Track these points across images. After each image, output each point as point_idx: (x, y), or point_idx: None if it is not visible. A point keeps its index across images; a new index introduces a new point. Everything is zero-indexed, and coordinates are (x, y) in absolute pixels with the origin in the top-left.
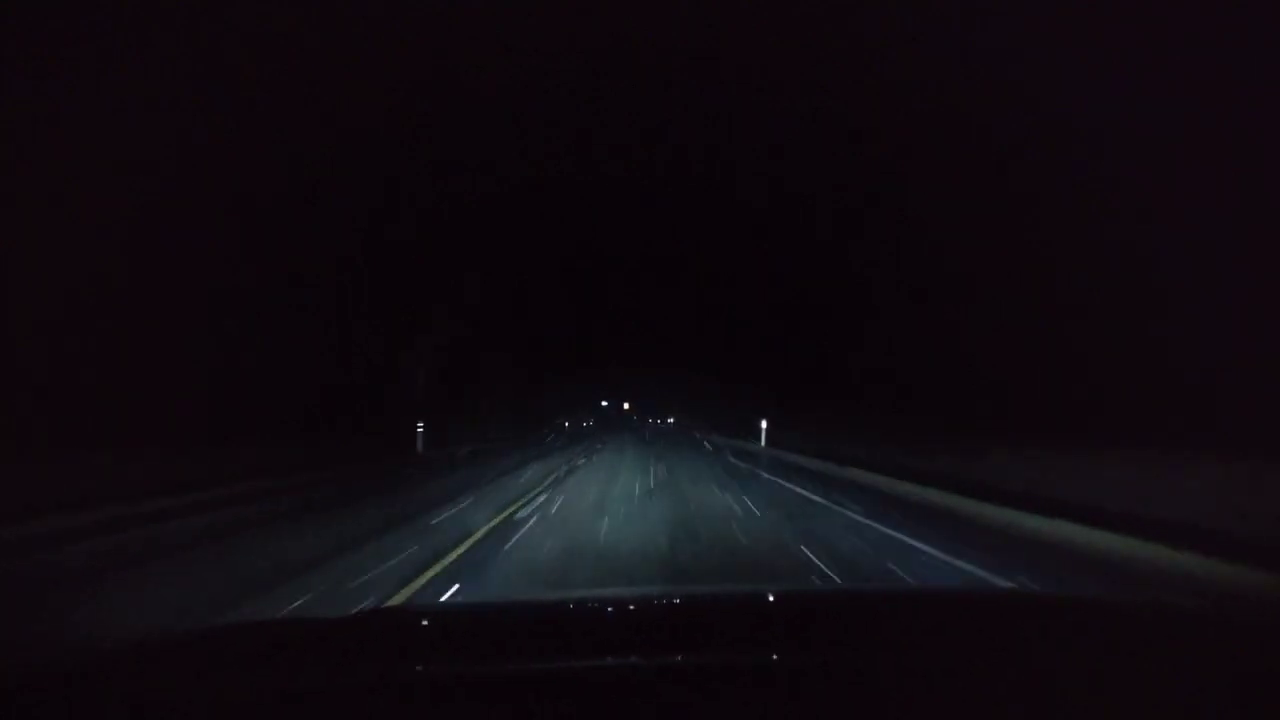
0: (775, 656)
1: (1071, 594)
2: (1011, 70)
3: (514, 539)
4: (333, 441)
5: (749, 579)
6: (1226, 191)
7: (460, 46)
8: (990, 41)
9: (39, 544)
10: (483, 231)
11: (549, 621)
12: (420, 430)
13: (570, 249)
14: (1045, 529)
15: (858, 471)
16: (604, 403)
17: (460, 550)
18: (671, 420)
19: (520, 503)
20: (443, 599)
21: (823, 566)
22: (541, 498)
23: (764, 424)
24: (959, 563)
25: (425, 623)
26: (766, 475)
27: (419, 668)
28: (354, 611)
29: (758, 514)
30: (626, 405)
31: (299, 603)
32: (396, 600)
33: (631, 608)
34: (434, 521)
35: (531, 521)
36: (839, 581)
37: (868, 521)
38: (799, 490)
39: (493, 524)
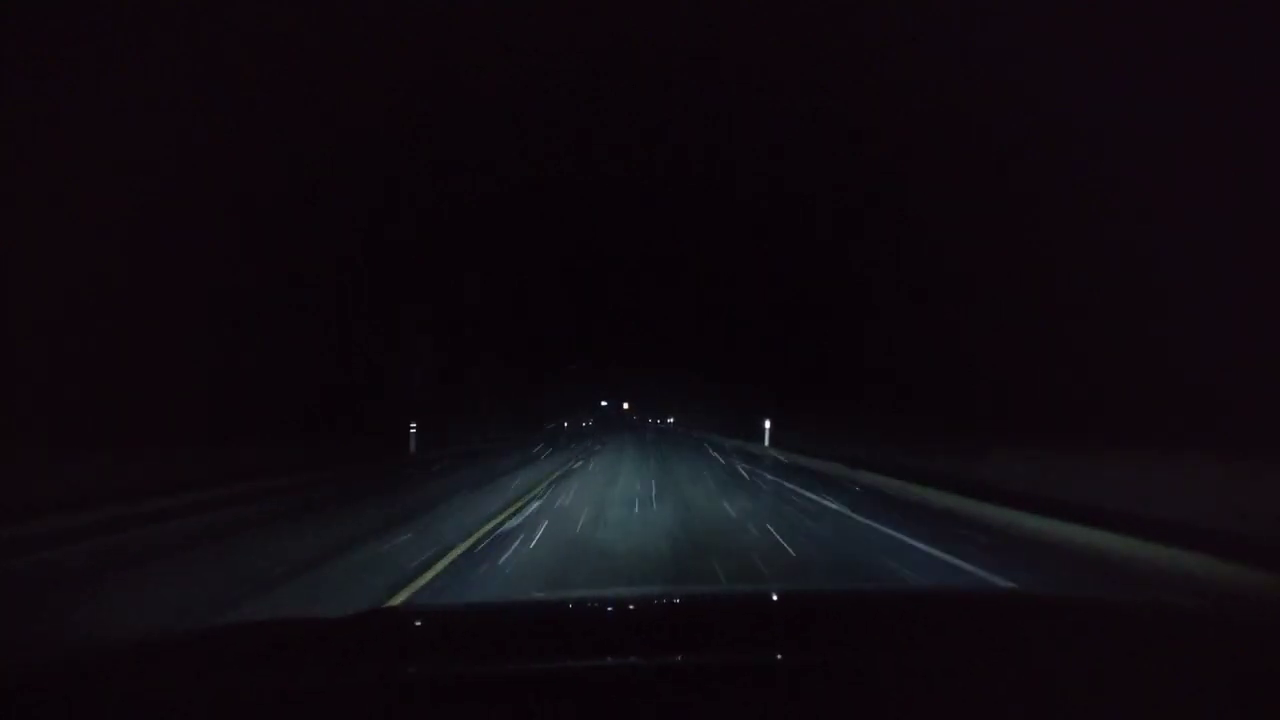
0: (775, 656)
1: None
2: (1011, 70)
3: (501, 557)
4: (333, 441)
5: None
6: (1226, 191)
7: (460, 46)
8: (990, 41)
9: (39, 544)
10: (483, 231)
11: (549, 621)
12: (413, 431)
13: (570, 249)
14: (1118, 546)
15: (873, 476)
16: (603, 402)
17: (425, 579)
18: (671, 420)
19: (507, 513)
20: (442, 599)
21: None
22: (535, 504)
23: (767, 424)
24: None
25: (425, 623)
26: (779, 481)
27: (419, 668)
28: (354, 611)
29: (788, 548)
30: (626, 405)
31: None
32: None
33: (631, 608)
34: (435, 517)
35: (518, 541)
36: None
37: (926, 549)
38: (819, 500)
39: (473, 539)
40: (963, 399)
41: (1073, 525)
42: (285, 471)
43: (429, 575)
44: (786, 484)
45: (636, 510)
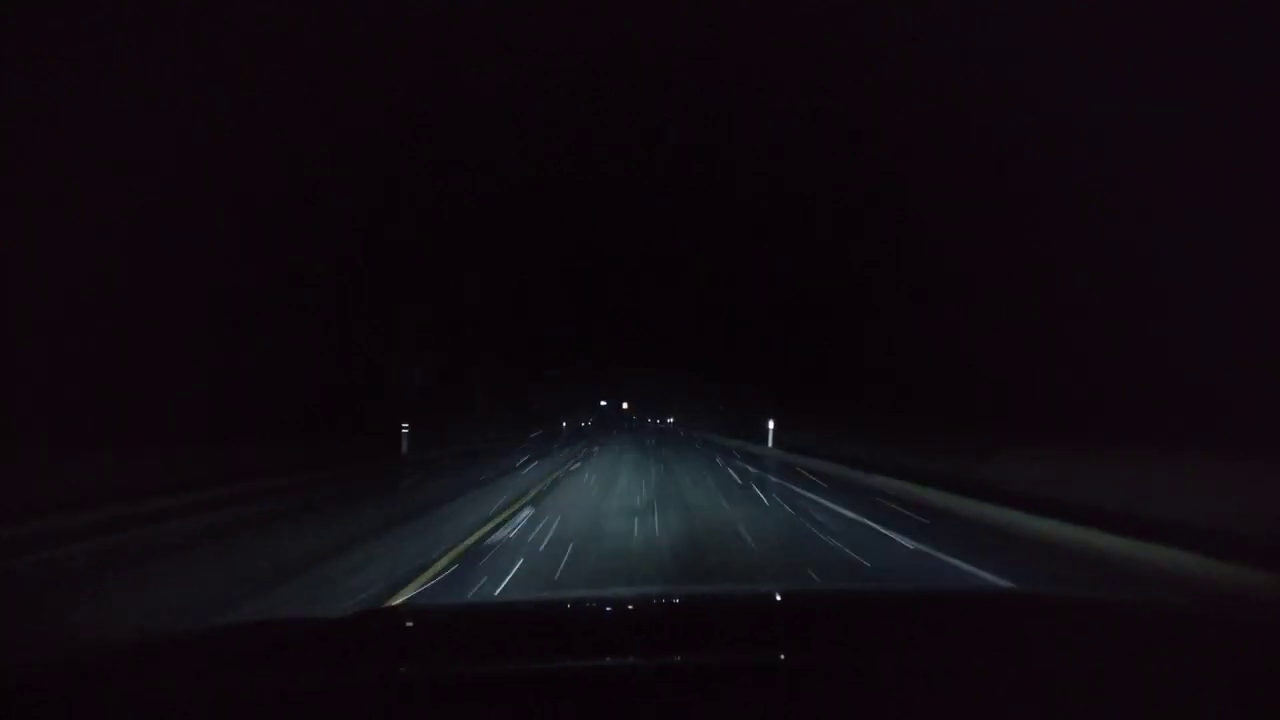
0: (775, 656)
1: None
2: (1011, 70)
3: (495, 559)
4: (333, 441)
5: None
6: (1226, 191)
7: (460, 46)
8: (990, 41)
9: (39, 544)
10: (483, 231)
11: (548, 621)
12: (405, 431)
13: (570, 249)
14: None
15: (885, 480)
16: (603, 402)
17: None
18: (671, 420)
19: (502, 517)
20: (441, 598)
21: None
22: (527, 512)
23: (771, 425)
24: None
25: (424, 623)
26: (791, 486)
27: (418, 668)
28: (354, 611)
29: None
30: (625, 405)
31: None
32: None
33: (630, 608)
34: (425, 523)
35: (507, 552)
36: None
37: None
38: (840, 510)
39: (458, 550)
40: (963, 399)
41: (1147, 543)
42: (285, 471)
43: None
44: (791, 486)
45: (636, 536)
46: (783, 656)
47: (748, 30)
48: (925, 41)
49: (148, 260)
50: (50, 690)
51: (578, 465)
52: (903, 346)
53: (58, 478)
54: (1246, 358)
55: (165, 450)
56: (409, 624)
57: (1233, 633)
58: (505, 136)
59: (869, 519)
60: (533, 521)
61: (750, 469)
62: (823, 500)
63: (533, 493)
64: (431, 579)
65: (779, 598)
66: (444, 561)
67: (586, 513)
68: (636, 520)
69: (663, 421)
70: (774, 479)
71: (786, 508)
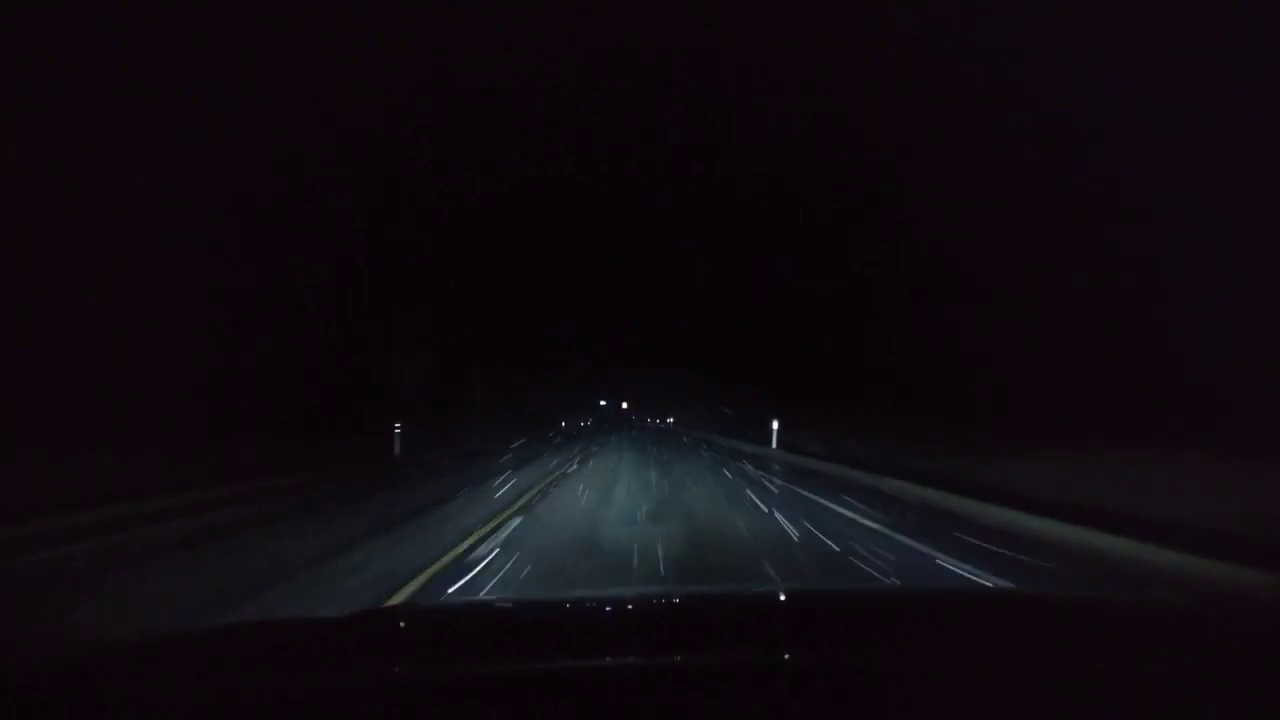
0: (775, 657)
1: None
2: (1011, 70)
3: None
4: (333, 441)
5: None
6: (1226, 191)
7: (460, 46)
8: (990, 41)
9: (39, 544)
10: (483, 231)
11: (548, 621)
12: (398, 431)
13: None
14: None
15: (904, 484)
16: (602, 402)
17: None
18: (671, 420)
19: (486, 528)
20: (441, 598)
21: None
22: (517, 521)
23: (775, 425)
24: None
25: (424, 623)
26: (806, 494)
27: (418, 668)
28: (354, 611)
29: None
30: (625, 405)
31: None
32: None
33: (630, 607)
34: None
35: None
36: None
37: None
38: (864, 524)
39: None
40: (963, 398)
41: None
42: (285, 471)
43: None
44: (805, 494)
45: (635, 567)
46: (785, 657)
47: (748, 30)
48: (925, 41)
49: (148, 260)
50: (50, 690)
51: (574, 468)
52: (903, 346)
53: (58, 478)
54: (1246, 357)
55: (165, 450)
56: (409, 624)
57: (1233, 633)
58: (505, 136)
59: (938, 551)
60: (512, 540)
61: (760, 472)
62: (876, 525)
63: (519, 503)
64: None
65: (779, 598)
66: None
67: (575, 527)
68: (635, 541)
69: (663, 421)
70: (787, 483)
71: (806, 512)
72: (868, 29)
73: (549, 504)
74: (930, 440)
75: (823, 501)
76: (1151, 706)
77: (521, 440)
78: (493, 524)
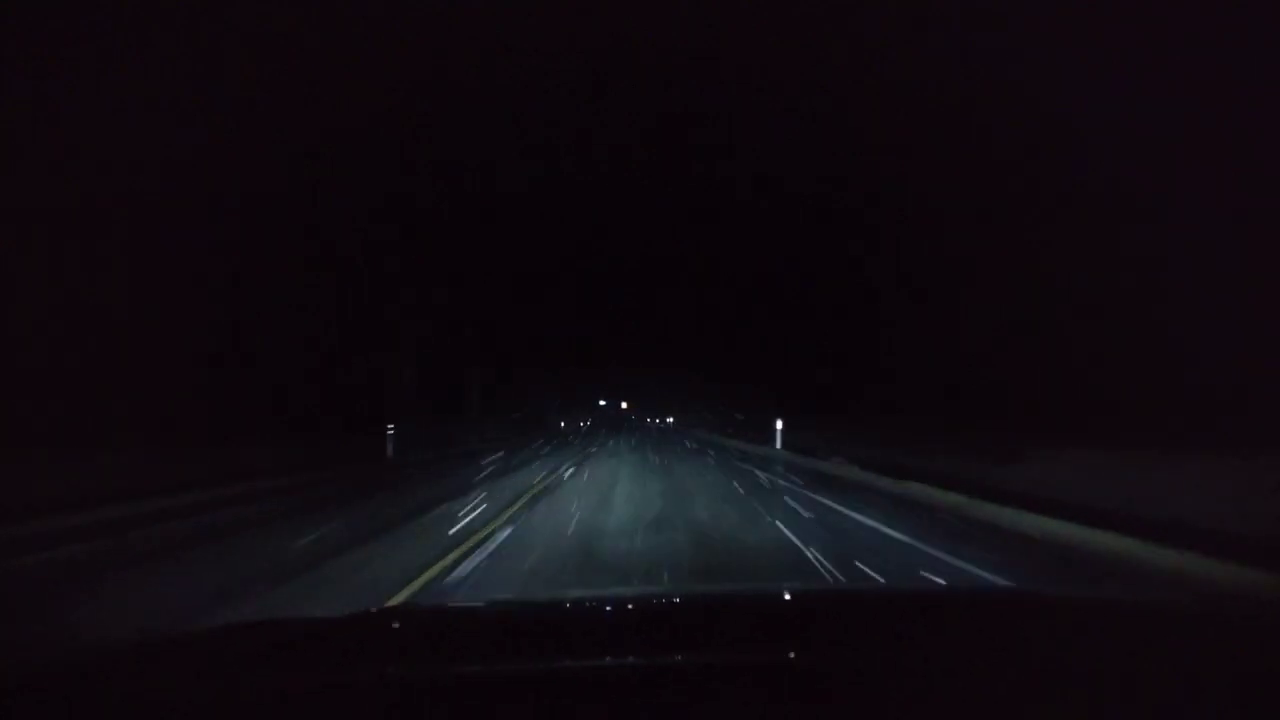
0: (775, 656)
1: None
2: (1012, 70)
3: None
4: (333, 442)
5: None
6: (1227, 191)
7: (460, 46)
8: (990, 41)
9: (39, 544)
10: (483, 231)
11: (548, 621)
12: (390, 433)
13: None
14: None
15: (930, 489)
16: (602, 402)
17: None
18: (671, 420)
19: (468, 544)
20: (440, 598)
21: None
22: (505, 533)
23: (779, 425)
24: None
25: (424, 623)
26: (825, 502)
27: (418, 668)
28: (353, 612)
29: None
30: (625, 405)
31: None
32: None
33: (630, 607)
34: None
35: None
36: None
37: None
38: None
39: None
40: (965, 398)
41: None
42: (285, 472)
43: None
44: (825, 501)
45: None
46: (787, 656)
47: (748, 30)
48: (925, 41)
49: (148, 260)
50: (50, 690)
51: (571, 470)
52: (903, 346)
53: (58, 478)
54: (1247, 357)
55: (165, 450)
56: (409, 624)
57: (1233, 633)
58: (505, 136)
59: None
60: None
61: (770, 476)
62: (883, 528)
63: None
64: None
65: (779, 598)
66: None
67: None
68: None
69: (662, 421)
70: (801, 490)
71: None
72: (868, 29)
73: (542, 509)
74: (930, 440)
75: (857, 517)
76: (1151, 706)
77: (520, 443)
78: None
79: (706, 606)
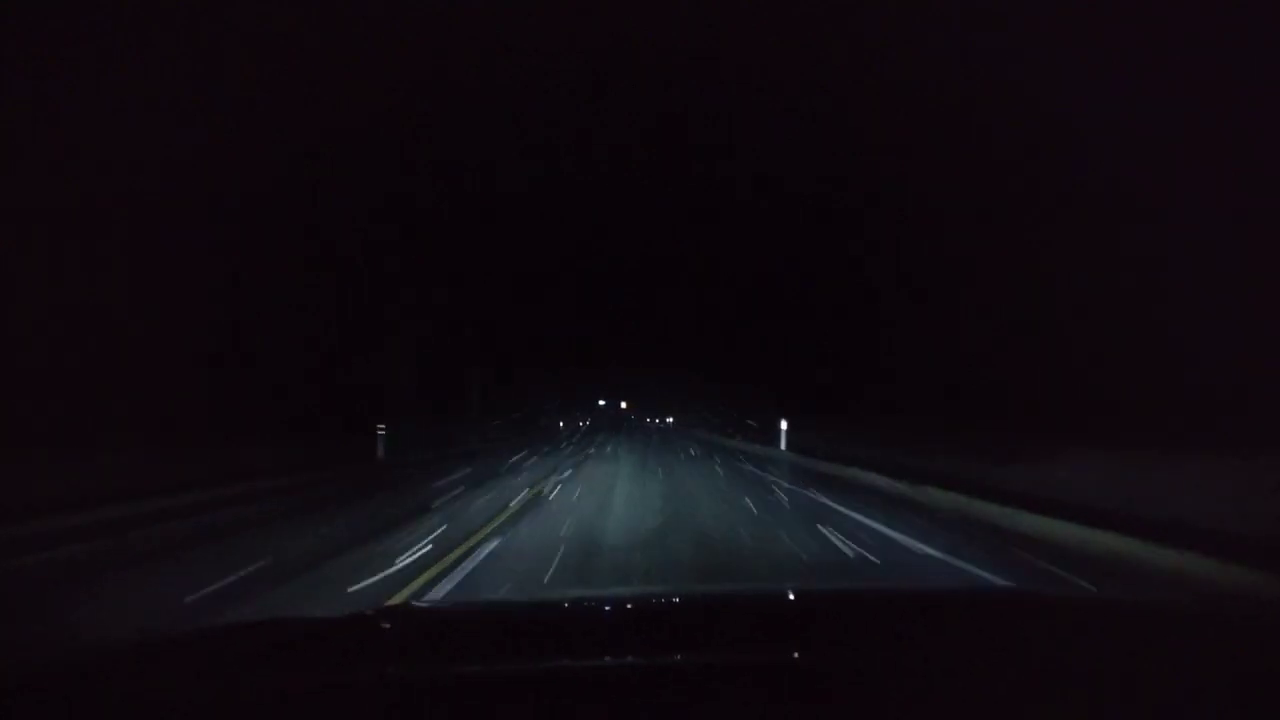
0: (775, 656)
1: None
2: (1012, 70)
3: None
4: (332, 442)
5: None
6: (1227, 192)
7: (460, 46)
8: (990, 41)
9: (39, 544)
10: (483, 231)
11: (547, 621)
12: (381, 433)
13: (570, 248)
14: None
15: (957, 497)
16: (601, 402)
17: None
18: (671, 420)
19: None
20: (441, 598)
21: None
22: (495, 543)
23: (784, 425)
24: None
25: (424, 622)
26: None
27: (418, 667)
28: (353, 611)
29: None
30: (624, 405)
31: None
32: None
33: (630, 607)
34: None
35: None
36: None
37: None
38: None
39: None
40: (965, 398)
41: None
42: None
43: None
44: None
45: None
46: (787, 656)
47: (748, 30)
48: (925, 41)
49: (148, 260)
50: (50, 690)
51: (569, 472)
52: (903, 346)
53: (58, 478)
54: (1247, 357)
55: (165, 450)
56: (408, 624)
57: (1233, 633)
58: (505, 136)
59: None
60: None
61: (784, 484)
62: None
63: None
64: None
65: (779, 597)
66: None
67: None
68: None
69: (662, 421)
70: (813, 494)
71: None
72: (868, 29)
73: (539, 511)
74: (930, 440)
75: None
76: (1151, 706)
77: (515, 443)
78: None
79: (706, 606)
